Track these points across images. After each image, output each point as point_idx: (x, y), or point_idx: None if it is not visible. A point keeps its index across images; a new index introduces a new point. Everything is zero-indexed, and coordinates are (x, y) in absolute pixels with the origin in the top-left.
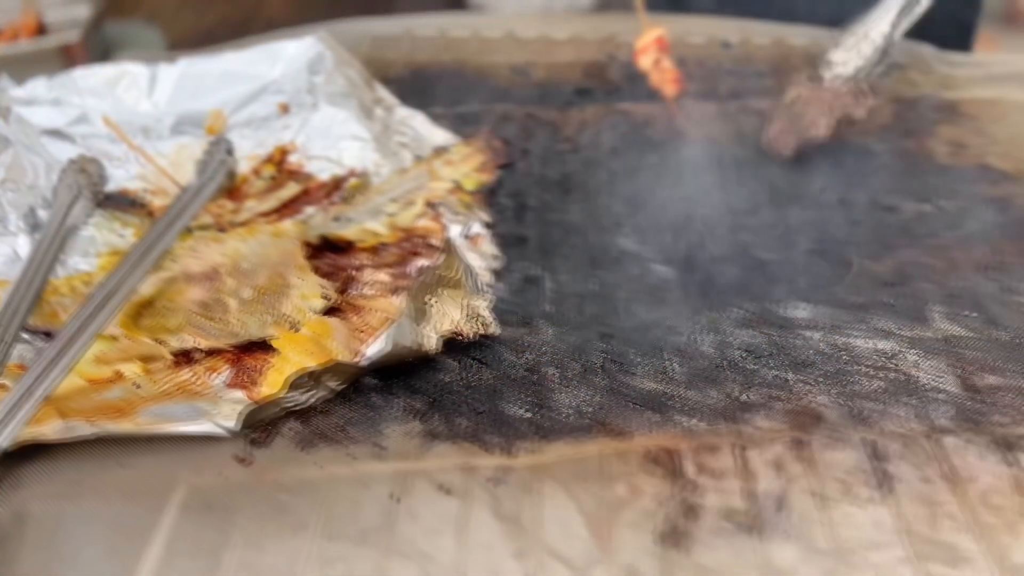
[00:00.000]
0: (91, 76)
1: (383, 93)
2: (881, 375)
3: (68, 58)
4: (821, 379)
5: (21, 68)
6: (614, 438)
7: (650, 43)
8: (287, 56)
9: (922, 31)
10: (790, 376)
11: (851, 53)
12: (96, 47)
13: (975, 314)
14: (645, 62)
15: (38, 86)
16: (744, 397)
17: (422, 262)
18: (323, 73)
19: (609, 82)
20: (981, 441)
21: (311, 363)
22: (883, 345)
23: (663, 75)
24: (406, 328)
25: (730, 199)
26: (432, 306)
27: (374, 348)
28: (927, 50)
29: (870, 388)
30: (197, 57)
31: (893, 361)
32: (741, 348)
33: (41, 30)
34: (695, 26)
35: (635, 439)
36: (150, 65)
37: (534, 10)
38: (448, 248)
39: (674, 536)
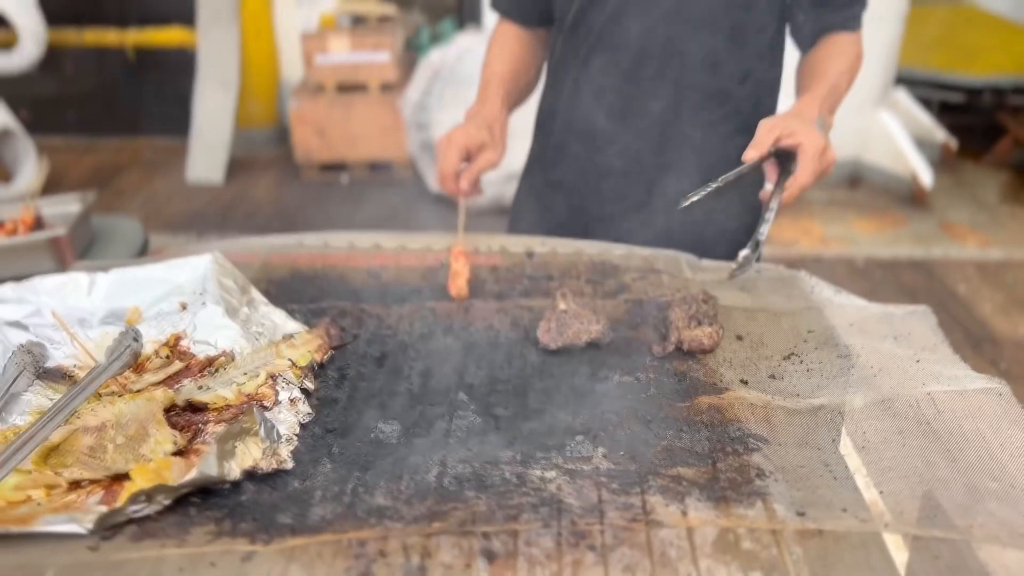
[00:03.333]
0: (47, 281)
1: (254, 294)
2: (532, 492)
3: (57, 249)
4: (493, 495)
5: (16, 257)
6: (334, 535)
7: (453, 254)
8: (190, 267)
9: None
10: (471, 495)
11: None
12: (83, 238)
13: (623, 453)
14: (452, 268)
15: (6, 289)
16: (436, 508)
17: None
18: (212, 280)
19: (437, 283)
20: (566, 532)
21: (145, 485)
22: (548, 474)
23: (451, 279)
24: (212, 462)
25: (493, 372)
26: (237, 447)
27: (187, 476)
28: (684, 257)
29: (518, 501)
30: (126, 267)
31: (547, 484)
32: (453, 477)
33: (38, 223)
34: (520, 241)
35: (347, 534)
36: (90, 273)
37: None
38: (249, 411)
39: None
